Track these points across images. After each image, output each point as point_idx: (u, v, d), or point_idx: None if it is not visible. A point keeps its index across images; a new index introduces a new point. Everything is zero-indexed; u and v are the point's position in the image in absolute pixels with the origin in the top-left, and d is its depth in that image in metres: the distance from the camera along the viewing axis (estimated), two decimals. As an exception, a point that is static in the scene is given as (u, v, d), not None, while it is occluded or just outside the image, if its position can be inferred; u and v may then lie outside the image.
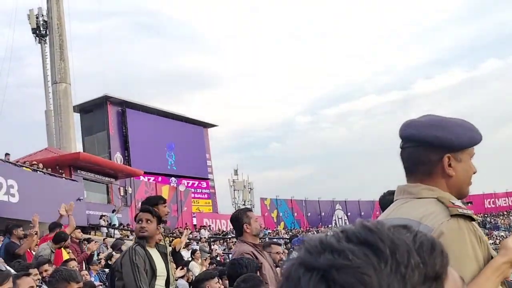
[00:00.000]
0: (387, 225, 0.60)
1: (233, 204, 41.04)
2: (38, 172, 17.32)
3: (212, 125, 44.09)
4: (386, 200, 3.52)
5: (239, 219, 3.72)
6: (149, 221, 3.72)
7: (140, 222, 3.72)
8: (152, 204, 4.27)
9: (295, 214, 43.61)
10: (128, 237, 17.94)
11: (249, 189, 42.21)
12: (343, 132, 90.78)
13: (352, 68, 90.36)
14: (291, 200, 43.97)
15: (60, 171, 20.12)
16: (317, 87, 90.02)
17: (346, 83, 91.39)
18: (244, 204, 41.02)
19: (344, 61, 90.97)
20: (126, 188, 26.47)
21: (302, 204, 44.60)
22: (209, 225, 31.65)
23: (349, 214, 45.88)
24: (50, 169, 18.69)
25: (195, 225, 30.92)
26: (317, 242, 0.59)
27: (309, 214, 44.45)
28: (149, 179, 32.71)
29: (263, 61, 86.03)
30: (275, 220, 41.57)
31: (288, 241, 11.69)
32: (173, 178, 37.15)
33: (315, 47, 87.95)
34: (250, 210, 3.94)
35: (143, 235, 3.69)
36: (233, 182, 41.73)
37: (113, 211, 21.69)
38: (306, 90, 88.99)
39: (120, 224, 21.79)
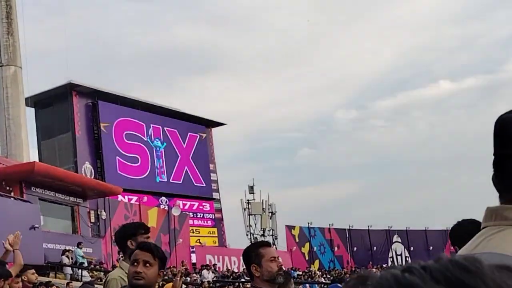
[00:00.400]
0: (486, 263, 0.59)
1: (247, 235, 41.01)
2: (-23, 189, 17.54)
3: (218, 124, 44.30)
4: (463, 230, 3.47)
5: (247, 258, 3.72)
6: (148, 265, 3.68)
7: (135, 264, 3.69)
8: (128, 235, 4.27)
9: (335, 248, 43.51)
10: (100, 280, 18.03)
11: (270, 213, 42.12)
12: (402, 133, 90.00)
13: (415, 40, 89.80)
14: (329, 228, 43.84)
15: (8, 188, 20.28)
16: (366, 70, 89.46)
17: (407, 63, 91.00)
18: (263, 235, 40.98)
19: (402, 29, 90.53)
20: (99, 212, 26.62)
21: (345, 235, 44.50)
22: (214, 264, 31.66)
23: (411, 248, 45.53)
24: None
25: (194, 264, 30.93)
26: (392, 282, 0.58)
27: (355, 249, 44.32)
28: (130, 199, 32.88)
29: (288, 34, 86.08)
30: (307, 257, 41.48)
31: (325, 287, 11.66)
32: (163, 198, 37.35)
33: (359, 10, 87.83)
34: (266, 244, 3.92)
35: (137, 283, 3.64)
36: (248, 203, 41.70)
37: (78, 244, 21.79)
38: (350, 73, 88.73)
39: (90, 262, 21.83)
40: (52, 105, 34.85)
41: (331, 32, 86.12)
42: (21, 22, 30.04)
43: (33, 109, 35.01)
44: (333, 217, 64.55)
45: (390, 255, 45.41)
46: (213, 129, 44.15)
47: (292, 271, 30.66)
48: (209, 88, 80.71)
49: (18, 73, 29.25)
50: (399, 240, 46.38)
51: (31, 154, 29.65)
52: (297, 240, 41.44)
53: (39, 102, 35.08)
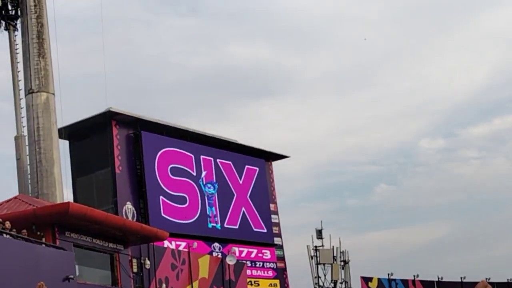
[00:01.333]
0: None
1: (315, 287, 40.58)
2: (4, 235, 17.80)
3: (280, 156, 44.32)
4: None
5: None
6: None
7: None
8: None
9: (422, 304, 42.77)
10: None
11: (342, 262, 41.73)
12: (501, 166, 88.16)
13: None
14: (413, 280, 43.17)
15: (38, 233, 20.52)
16: (454, 91, 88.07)
17: (505, 81, 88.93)
18: (334, 287, 40.46)
19: (499, 41, 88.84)
20: (142, 261, 26.75)
21: (433, 288, 43.60)
22: (277, 323, 31.43)
23: (515, 304, 44.45)
24: (22, 230, 19.14)
25: (253, 323, 30.93)
26: None
27: (445, 305, 43.56)
28: (177, 246, 32.99)
29: (362, 51, 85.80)
30: (388, 315, 40.92)
31: None
32: (216, 244, 37.36)
33: (446, 20, 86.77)
34: None
35: None
36: (316, 250, 41.42)
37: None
38: (435, 95, 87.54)
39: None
40: (89, 136, 35.31)
41: (412, 48, 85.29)
42: (53, 42, 30.76)
43: (67, 142, 35.43)
44: (418, 266, 62.95)
45: (489, 312, 44.35)
46: (273, 162, 44.08)
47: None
48: (268, 114, 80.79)
49: (51, 100, 29.86)
50: (500, 294, 45.13)
51: (65, 194, 30.05)
52: (376, 295, 40.80)
53: (74, 133, 35.59)
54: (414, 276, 43.33)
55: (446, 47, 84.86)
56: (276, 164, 44.38)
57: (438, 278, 44.24)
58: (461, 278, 44.71)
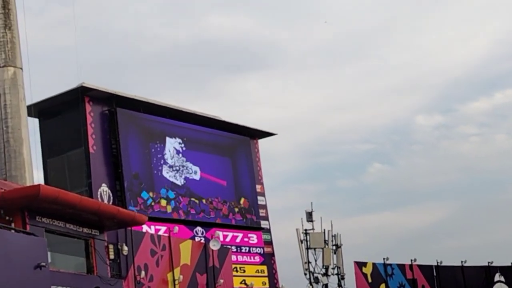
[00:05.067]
0: None
1: (305, 274, 40.75)
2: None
3: (266, 134, 44.39)
4: None
5: None
6: None
7: None
8: None
9: (419, 290, 42.99)
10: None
11: (334, 247, 41.90)
12: (502, 143, 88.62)
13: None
14: (411, 265, 43.35)
15: (7, 217, 20.43)
16: (453, 63, 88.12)
17: (507, 53, 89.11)
18: (325, 274, 40.63)
19: (501, 10, 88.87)
20: (119, 246, 26.73)
21: (431, 273, 44.06)
22: (265, 312, 31.55)
23: (519, 290, 44.87)
24: (-11, 215, 19.09)
25: (239, 312, 31.02)
26: None
27: (443, 291, 43.87)
28: (157, 230, 33.01)
29: (353, 21, 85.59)
30: (383, 302, 41.12)
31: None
32: (199, 228, 37.47)
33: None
34: None
35: None
36: (306, 234, 41.51)
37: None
38: (432, 68, 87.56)
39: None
40: (60, 114, 35.18)
41: (407, 18, 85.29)
42: (20, 13, 30.47)
43: (37, 120, 35.41)
44: (415, 250, 63.10)
45: (490, 298, 44.84)
46: (259, 140, 44.13)
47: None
48: (253, 90, 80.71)
49: (19, 75, 29.66)
50: (502, 279, 45.67)
51: (35, 176, 29.95)
52: (370, 281, 40.92)
53: (44, 111, 35.46)
54: (411, 260, 43.42)
55: (444, 17, 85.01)
56: (262, 143, 44.46)
57: (437, 263, 44.41)
58: (461, 262, 44.91)
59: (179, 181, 37.89)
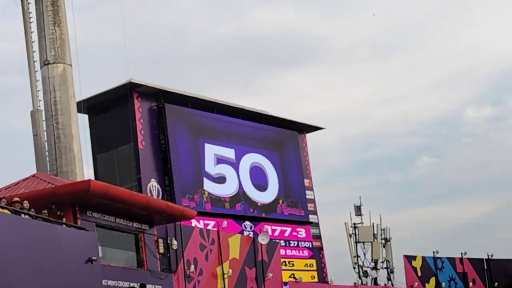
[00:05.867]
0: None
1: (354, 267, 40.72)
2: (22, 215, 17.99)
3: (314, 128, 44.39)
4: None
5: None
6: None
7: None
8: None
9: (470, 284, 42.90)
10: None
11: (383, 240, 41.79)
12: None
13: None
14: (461, 259, 43.13)
15: (58, 212, 20.78)
16: (504, 54, 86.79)
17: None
18: (375, 267, 40.53)
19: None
20: (169, 241, 26.95)
21: (482, 266, 43.91)
22: (314, 306, 31.60)
23: None
24: (41, 210, 19.31)
25: (288, 306, 31.07)
26: None
27: (495, 284, 43.75)
28: (206, 225, 33.22)
29: (400, 13, 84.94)
30: (433, 296, 40.94)
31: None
32: (247, 223, 37.62)
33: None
34: None
35: None
36: (354, 228, 41.48)
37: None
38: (483, 60, 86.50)
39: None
40: (109, 110, 35.54)
41: (455, 8, 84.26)
42: (69, 10, 30.77)
43: (86, 116, 35.73)
44: (466, 244, 62.62)
45: (543, 292, 44.16)
46: (307, 135, 44.15)
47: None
48: (300, 84, 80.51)
49: (68, 72, 29.92)
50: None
51: (86, 171, 30.24)
52: (420, 274, 40.80)
53: (93, 107, 35.86)
54: (461, 254, 43.24)
55: (492, 6, 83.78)
56: (310, 137, 44.47)
57: (488, 256, 44.23)
58: (514, 255, 44.62)
59: (227, 176, 38.07)
